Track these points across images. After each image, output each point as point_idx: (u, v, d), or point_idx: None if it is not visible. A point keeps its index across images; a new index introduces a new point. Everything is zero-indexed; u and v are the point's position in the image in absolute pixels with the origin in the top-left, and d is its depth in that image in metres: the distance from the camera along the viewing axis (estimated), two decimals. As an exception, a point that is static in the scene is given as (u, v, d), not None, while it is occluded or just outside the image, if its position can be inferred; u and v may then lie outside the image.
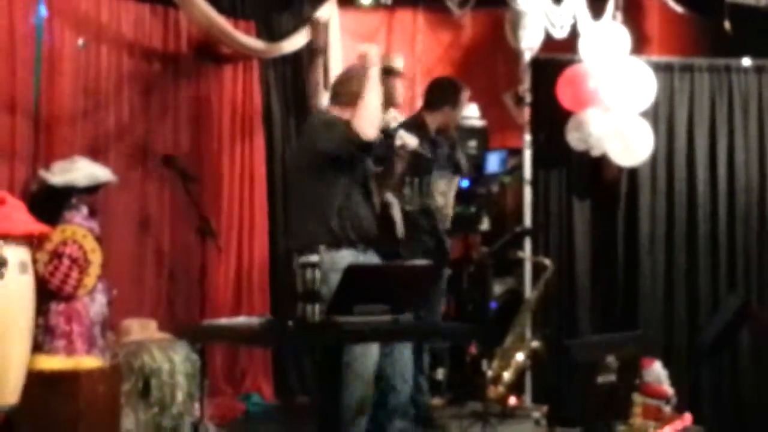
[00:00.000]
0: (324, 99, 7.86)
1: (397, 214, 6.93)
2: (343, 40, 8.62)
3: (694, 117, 8.58)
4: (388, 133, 6.25)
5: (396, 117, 6.97)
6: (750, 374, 8.40)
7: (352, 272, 4.93)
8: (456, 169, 7.44)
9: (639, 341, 7.72)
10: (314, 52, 8.39)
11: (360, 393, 5.91)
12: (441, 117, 7.19)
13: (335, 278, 5.02)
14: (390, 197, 7.00)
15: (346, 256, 5.81)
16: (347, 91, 6.05)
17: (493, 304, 7.74)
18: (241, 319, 5.73)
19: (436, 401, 7.68)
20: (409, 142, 6.31)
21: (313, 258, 4.93)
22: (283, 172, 8.30)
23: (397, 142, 6.27)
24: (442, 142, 7.26)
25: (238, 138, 8.23)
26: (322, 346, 5.46)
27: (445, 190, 7.31)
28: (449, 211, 7.36)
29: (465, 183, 7.96)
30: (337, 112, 6.01)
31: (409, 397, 6.60)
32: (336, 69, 8.47)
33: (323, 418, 5.53)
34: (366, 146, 5.88)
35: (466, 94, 7.28)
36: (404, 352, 6.42)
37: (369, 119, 5.81)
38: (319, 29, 8.38)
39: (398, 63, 7.51)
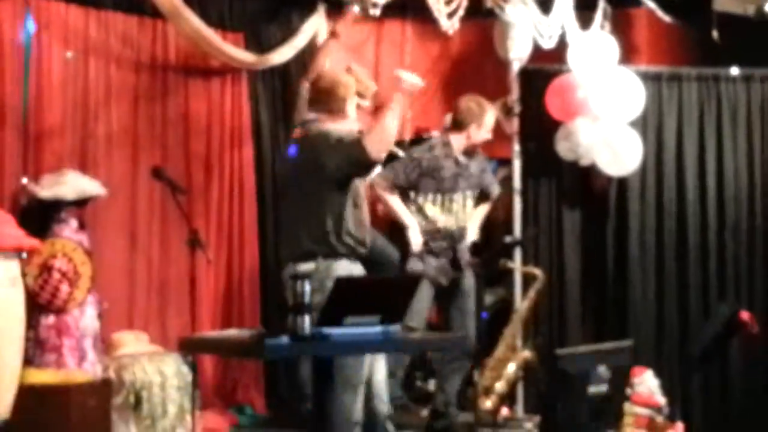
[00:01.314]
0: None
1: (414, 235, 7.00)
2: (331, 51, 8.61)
3: (683, 126, 8.59)
4: None
5: None
6: (741, 383, 8.41)
7: (342, 284, 4.93)
8: (483, 194, 7.47)
9: (630, 351, 7.73)
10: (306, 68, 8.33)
11: (351, 402, 5.92)
12: (467, 137, 7.27)
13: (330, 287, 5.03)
14: (410, 221, 7.06)
15: (342, 265, 5.83)
16: (334, 97, 6.03)
17: (484, 315, 7.71)
18: (232, 332, 5.71)
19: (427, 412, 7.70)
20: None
21: (309, 266, 4.91)
22: (273, 183, 8.29)
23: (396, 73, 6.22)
24: (468, 163, 7.30)
25: (227, 150, 8.22)
26: (314, 358, 5.44)
27: (472, 212, 7.38)
28: (473, 235, 7.40)
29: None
30: (328, 121, 6.00)
31: (388, 418, 6.63)
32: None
33: (315, 429, 5.51)
34: (372, 166, 5.88)
35: (491, 113, 7.33)
36: (379, 373, 6.42)
37: (384, 141, 5.79)
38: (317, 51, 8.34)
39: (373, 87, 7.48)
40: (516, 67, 8.42)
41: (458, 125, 7.37)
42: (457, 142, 7.36)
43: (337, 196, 5.90)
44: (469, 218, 7.43)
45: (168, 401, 6.68)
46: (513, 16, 8.05)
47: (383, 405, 6.46)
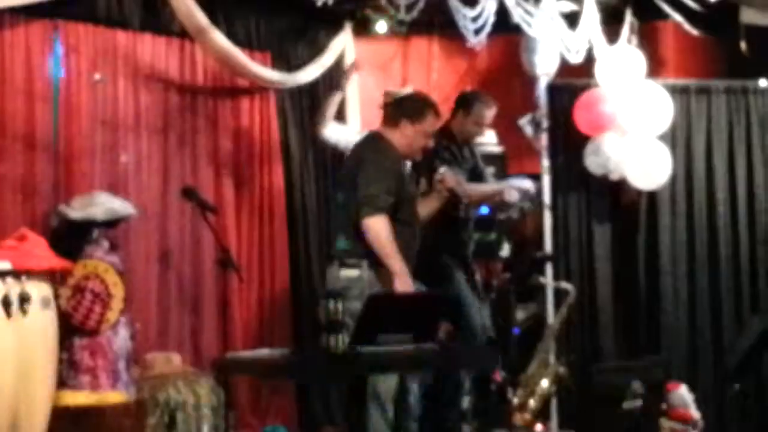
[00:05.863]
0: (328, 129, 7.91)
1: None
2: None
3: (712, 139, 8.57)
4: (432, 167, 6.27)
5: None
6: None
7: (373, 302, 4.93)
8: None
9: (663, 365, 7.70)
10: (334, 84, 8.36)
11: (377, 417, 5.93)
12: (457, 123, 7.31)
13: None
14: None
15: None
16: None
17: (516, 331, 7.70)
18: (264, 351, 5.71)
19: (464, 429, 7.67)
20: (448, 179, 6.29)
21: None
22: (303, 200, 8.32)
23: (437, 177, 6.26)
24: (463, 154, 7.28)
25: (256, 168, 8.22)
26: (347, 377, 5.44)
27: None
28: None
29: (485, 210, 7.94)
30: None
31: None
32: (353, 99, 8.50)
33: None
34: None
35: (482, 106, 7.32)
36: (410, 390, 6.40)
37: None
38: (344, 71, 8.37)
39: None
40: (543, 82, 8.40)
41: (452, 111, 7.46)
42: (455, 128, 7.39)
43: None
44: None
45: (202, 421, 6.68)
46: (539, 31, 8.03)
47: (413, 423, 6.44)
